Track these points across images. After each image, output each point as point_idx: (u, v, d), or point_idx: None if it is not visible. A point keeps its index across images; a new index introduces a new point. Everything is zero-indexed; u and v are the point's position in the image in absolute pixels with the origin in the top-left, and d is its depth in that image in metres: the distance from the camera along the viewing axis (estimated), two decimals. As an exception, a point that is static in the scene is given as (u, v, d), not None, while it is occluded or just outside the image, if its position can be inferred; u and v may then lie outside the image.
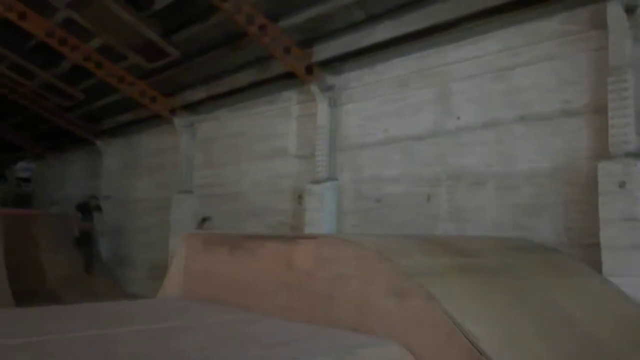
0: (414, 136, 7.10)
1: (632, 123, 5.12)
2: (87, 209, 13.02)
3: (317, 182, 8.11)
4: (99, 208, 13.17)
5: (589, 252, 5.16)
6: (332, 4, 7.21)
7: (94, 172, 14.48)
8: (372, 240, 4.22)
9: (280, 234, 5.90)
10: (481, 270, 3.97)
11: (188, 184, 11.04)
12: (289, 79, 8.56)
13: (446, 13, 6.48)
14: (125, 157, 13.43)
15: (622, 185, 5.03)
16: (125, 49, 9.62)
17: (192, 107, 10.93)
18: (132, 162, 13.14)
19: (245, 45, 8.45)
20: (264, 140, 9.43)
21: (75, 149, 15.72)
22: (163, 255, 10.19)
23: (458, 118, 6.67)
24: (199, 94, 10.50)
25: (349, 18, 7.40)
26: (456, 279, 3.65)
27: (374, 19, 7.22)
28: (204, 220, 9.89)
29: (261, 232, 8.69)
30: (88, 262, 12.67)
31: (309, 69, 8.09)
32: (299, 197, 8.53)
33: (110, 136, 13.80)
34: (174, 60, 9.64)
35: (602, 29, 5.38)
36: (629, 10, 5.19)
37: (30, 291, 9.64)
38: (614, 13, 5.24)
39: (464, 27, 6.48)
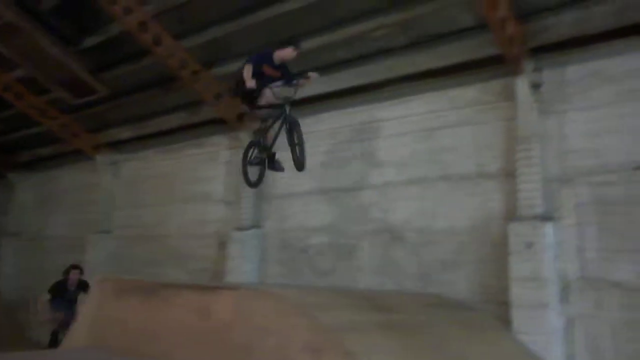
0: (340, 188, 7.25)
1: (538, 188, 5.54)
2: None
3: (241, 229, 8.02)
4: None
5: (502, 309, 5.41)
6: (267, 56, 7.36)
7: (2, 207, 13.50)
8: (292, 293, 4.19)
9: (199, 283, 5.72)
10: (399, 327, 4.03)
11: (107, 224, 10.55)
12: (219, 124, 8.55)
13: (377, 74, 6.81)
14: (41, 192, 12.67)
15: (529, 245, 5.37)
16: (50, 82, 9.26)
17: (117, 146, 10.61)
18: (48, 198, 12.41)
19: (177, 88, 8.40)
20: (191, 184, 9.27)
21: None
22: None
23: (384, 173, 6.90)
24: (125, 132, 10.23)
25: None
26: (374, 335, 3.68)
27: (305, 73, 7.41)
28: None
29: (182, 278, 8.39)
30: None
31: (240, 116, 8.14)
32: (223, 244, 8.37)
33: (26, 169, 13.02)
34: (102, 97, 9.38)
35: (513, 100, 5.85)
36: (535, 86, 5.72)
37: None
38: (522, 88, 5.75)
39: (392, 87, 6.81)
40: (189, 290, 4.52)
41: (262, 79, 5.02)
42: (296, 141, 5.04)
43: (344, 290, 5.25)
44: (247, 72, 4.86)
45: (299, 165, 5.01)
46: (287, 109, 5.13)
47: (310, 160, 7.48)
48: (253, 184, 5.45)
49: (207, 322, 4.07)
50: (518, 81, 5.77)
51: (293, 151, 5.00)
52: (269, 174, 7.86)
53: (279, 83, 5.16)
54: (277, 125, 5.26)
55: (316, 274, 7.16)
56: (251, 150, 5.46)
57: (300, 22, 6.74)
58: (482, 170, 6.10)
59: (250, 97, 5.10)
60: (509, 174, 5.81)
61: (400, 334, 3.88)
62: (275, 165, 5.32)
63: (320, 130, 7.62)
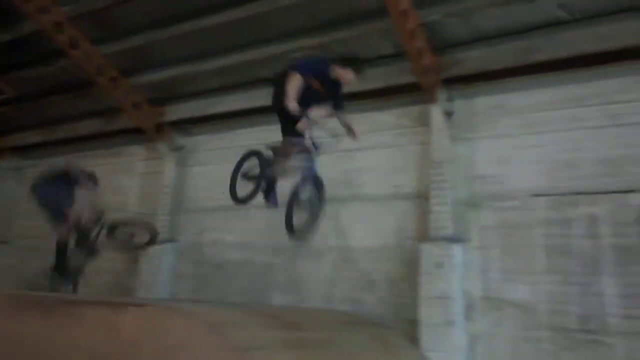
0: (255, 204, 7.19)
1: (449, 211, 5.82)
2: None
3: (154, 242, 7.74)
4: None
5: (411, 327, 5.59)
6: (188, 68, 7.27)
7: None
8: (203, 310, 4.12)
9: (105, 298, 5.46)
10: (309, 344, 4.07)
11: (6, 234, 9.83)
12: (137, 134, 8.28)
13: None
14: None
15: (439, 266, 5.61)
16: (-52, 78, 8.58)
17: (22, 151, 9.96)
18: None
19: (93, 94, 8.05)
20: (103, 194, 8.84)
21: None
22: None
23: (301, 191, 6.96)
24: (33, 137, 9.63)
25: (203, 84, 7.51)
26: (284, 353, 3.69)
27: (227, 88, 7.41)
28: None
29: (89, 293, 7.95)
30: None
31: (159, 128, 7.94)
32: (135, 257, 8.05)
33: None
34: (7, 98, 8.79)
35: (428, 126, 6.15)
36: (447, 114, 6.07)
37: None
38: (436, 115, 6.08)
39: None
40: (94, 306, 4.30)
41: (307, 97, 4.24)
42: (315, 204, 4.49)
43: (257, 308, 5.22)
44: (293, 85, 4.07)
45: (304, 233, 4.50)
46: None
47: (227, 175, 7.51)
48: (241, 200, 4.88)
49: (114, 341, 3.89)
50: (432, 109, 6.09)
51: (307, 211, 4.44)
52: (188, 180, 7.76)
53: (324, 109, 4.48)
54: (300, 161, 4.65)
55: (231, 290, 7.06)
56: (249, 161, 4.87)
57: (223, 37, 6.73)
58: (397, 191, 6.33)
59: (288, 118, 4.36)
60: (422, 196, 6.07)
61: (310, 351, 3.93)
62: (270, 197, 4.75)
63: (238, 145, 7.57)
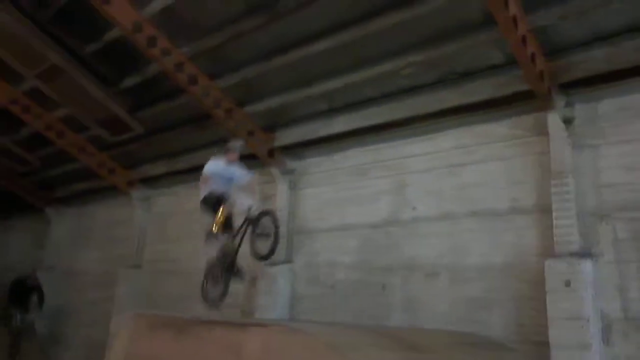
0: (370, 224, 7.22)
1: (574, 224, 5.41)
2: (23, 290, 11.83)
3: (272, 264, 8.01)
4: (38, 289, 11.98)
5: (540, 349, 5.23)
6: (296, 94, 7.53)
7: (39, 241, 13.86)
8: (323, 331, 4.16)
9: (229, 319, 5.73)
10: (432, 367, 3.94)
11: (138, 259, 10.68)
12: (250, 159, 8.67)
13: (402, 111, 6.86)
14: (76, 227, 12.98)
15: (567, 284, 5.22)
16: (89, 120, 9.63)
17: (150, 182, 10.85)
18: (82, 232, 12.70)
19: (210, 126, 8.61)
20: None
21: (21, 217, 15.10)
22: (103, 335, 9.63)
23: (413, 209, 6.87)
24: (158, 168, 10.47)
25: (312, 108, 7.73)
26: (406, 375, 3.61)
27: (335, 110, 7.56)
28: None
29: (210, 314, 8.39)
30: (14, 345, 11.72)
31: (271, 153, 8.28)
32: (253, 279, 8.37)
33: (62, 205, 13.38)
34: (137, 135, 9.68)
35: (545, 135, 5.80)
36: (567, 121, 5.69)
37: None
38: (554, 122, 5.71)
39: (419, 124, 6.85)
40: (220, 326, 4.53)
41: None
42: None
43: (374, 329, 5.17)
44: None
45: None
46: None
47: (339, 196, 7.63)
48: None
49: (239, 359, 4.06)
50: (549, 116, 5.73)
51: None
52: (300, 202, 7.99)
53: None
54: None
55: (346, 310, 7.08)
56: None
57: (329, 62, 6.90)
58: (515, 205, 6.01)
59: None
60: (543, 210, 5.71)
61: (435, 375, 3.80)
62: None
63: (349, 165, 7.69)
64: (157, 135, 9.61)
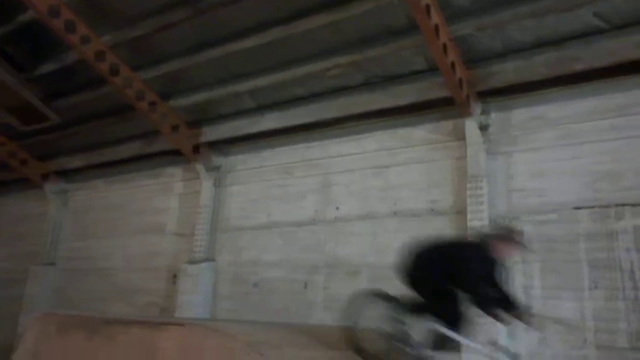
0: (295, 222, 7.26)
1: (486, 225, 5.69)
2: None
3: (193, 262, 7.88)
4: None
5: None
6: (223, 90, 7.43)
7: None
8: (243, 330, 4.14)
9: (145, 318, 5.56)
10: (349, 364, 4.02)
11: (51, 256, 10.14)
12: (174, 155, 8.48)
13: (330, 111, 6.96)
14: (-19, 221, 12.10)
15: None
16: (-2, 107, 9.01)
17: (67, 174, 10.33)
18: (-11, 227, 11.86)
19: (133, 118, 8.31)
20: (142, 215, 9.08)
21: None
22: (9, 336, 9.06)
23: (337, 208, 6.97)
24: (76, 161, 9.98)
25: (239, 105, 7.65)
26: (324, 373, 3.66)
27: (263, 108, 7.53)
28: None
29: (129, 313, 8.12)
30: None
31: (196, 148, 8.11)
32: (174, 277, 8.19)
33: (-34, 197, 12.44)
34: (53, 125, 9.16)
35: (463, 140, 6.08)
36: (483, 127, 6.00)
37: None
38: (471, 128, 6.01)
39: (346, 125, 6.97)
40: (135, 326, 4.39)
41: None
42: None
43: (296, 327, 5.20)
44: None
45: None
46: None
47: (265, 194, 7.62)
48: None
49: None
50: (467, 122, 6.02)
51: None
52: (225, 200, 7.89)
53: None
54: None
55: (269, 309, 7.08)
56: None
57: (257, 59, 6.86)
58: (433, 207, 6.25)
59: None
60: (459, 211, 5.98)
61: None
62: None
63: (276, 164, 7.69)
64: (75, 126, 9.15)
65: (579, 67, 5.43)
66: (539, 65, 5.63)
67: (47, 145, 10.00)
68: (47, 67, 8.05)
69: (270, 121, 7.50)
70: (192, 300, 7.66)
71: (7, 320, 9.72)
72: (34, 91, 8.45)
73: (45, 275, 9.95)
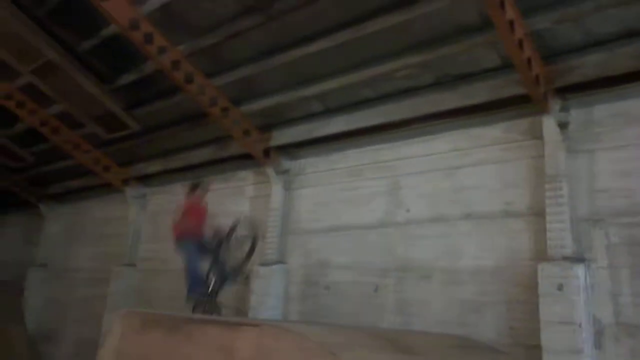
0: (364, 225, 7.23)
1: (567, 228, 5.42)
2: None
3: (265, 264, 8.01)
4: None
5: (531, 353, 5.24)
6: (292, 94, 7.53)
7: (33, 237, 13.81)
8: (316, 331, 4.15)
9: (222, 318, 5.71)
10: (424, 369, 3.94)
11: (132, 257, 10.66)
12: (246, 159, 8.69)
13: (399, 113, 6.87)
14: (69, 224, 12.94)
15: (560, 288, 5.22)
16: (85, 117, 9.60)
17: (145, 179, 10.83)
18: (76, 229, 12.66)
19: (206, 124, 8.61)
20: (215, 218, 9.33)
21: (15, 213, 15.04)
22: (94, 332, 9.61)
23: (407, 210, 6.87)
24: (154, 166, 10.45)
25: (308, 109, 7.73)
26: (398, 376, 3.60)
27: (331, 111, 7.56)
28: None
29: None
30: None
31: (267, 152, 8.27)
32: (246, 278, 8.36)
33: (56, 201, 13.36)
34: (133, 132, 9.65)
35: (540, 139, 5.81)
36: (562, 125, 5.69)
37: None
38: (549, 126, 5.72)
39: (415, 126, 6.86)
40: (212, 325, 4.51)
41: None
42: None
43: (367, 330, 5.17)
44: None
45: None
46: None
47: (334, 197, 7.64)
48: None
49: (231, 358, 4.04)
50: (545, 120, 5.74)
51: None
52: (295, 203, 8.02)
53: None
54: None
55: (339, 312, 7.08)
56: None
57: (326, 63, 6.89)
58: (508, 208, 6.02)
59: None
60: (537, 213, 5.72)
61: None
62: None
63: (344, 166, 7.69)
64: (153, 133, 9.60)
65: (667, 57, 5.05)
66: (624, 57, 5.27)
67: (127, 152, 10.55)
68: (127, 78, 8.49)
69: (339, 124, 7.51)
70: (264, 302, 7.80)
71: (92, 318, 10.32)
72: (116, 101, 8.95)
73: (127, 275, 10.47)
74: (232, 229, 6.72)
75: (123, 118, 9.13)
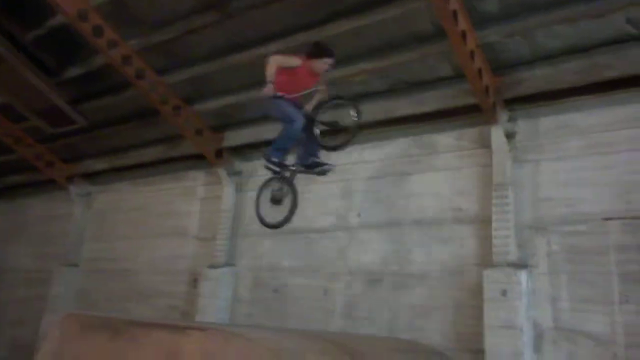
0: (315, 229, 7.22)
1: (512, 235, 5.61)
2: None
3: (214, 266, 7.89)
4: None
5: (476, 357, 5.37)
6: (246, 95, 7.42)
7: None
8: (264, 336, 4.10)
9: (168, 321, 5.55)
10: (370, 374, 3.95)
11: (75, 257, 10.27)
12: (197, 159, 8.53)
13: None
14: (8, 221, 12.32)
15: (504, 293, 5.38)
16: (28, 110, 9.16)
17: (91, 177, 10.47)
18: (15, 227, 12.06)
19: (157, 122, 8.39)
20: (165, 218, 9.14)
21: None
22: (32, 335, 9.19)
23: (359, 215, 6.91)
24: (100, 164, 10.11)
25: (262, 110, 7.62)
26: (346, 381, 3.60)
27: (285, 113, 7.48)
28: None
29: (150, 315, 8.15)
30: None
31: (219, 153, 8.15)
32: (194, 281, 8.21)
33: (-4, 197, 12.70)
34: (79, 128, 9.29)
35: (489, 148, 5.98)
36: (509, 135, 5.89)
37: None
38: (497, 136, 5.90)
39: (370, 131, 6.89)
40: (158, 329, 4.37)
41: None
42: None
43: (315, 334, 5.15)
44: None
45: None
46: None
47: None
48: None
49: (175, 364, 3.93)
50: (493, 130, 5.92)
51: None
52: (247, 205, 7.87)
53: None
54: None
55: (288, 315, 7.05)
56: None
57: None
58: (457, 215, 6.16)
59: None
60: (484, 220, 5.88)
61: (373, 381, 3.81)
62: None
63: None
64: (100, 129, 9.28)
65: (610, 74, 5.30)
66: (569, 72, 5.51)
67: (73, 148, 10.16)
68: (74, 71, 8.17)
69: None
70: (212, 304, 7.67)
71: (31, 320, 9.87)
72: (61, 95, 8.59)
73: (69, 276, 10.08)
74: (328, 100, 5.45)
75: (69, 112, 8.77)
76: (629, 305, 4.89)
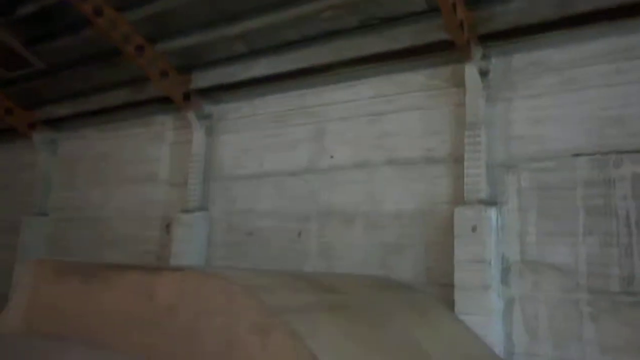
0: (288, 171, 7.19)
1: (483, 174, 5.66)
2: None
3: (187, 211, 7.83)
4: None
5: (445, 291, 5.53)
6: (213, 33, 7.14)
7: None
8: (239, 275, 4.12)
9: (143, 263, 5.53)
10: (346, 308, 4.04)
11: (43, 206, 10.05)
12: (164, 103, 8.26)
13: (324, 56, 6.73)
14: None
15: (474, 229, 5.49)
16: (-21, 53, 8.67)
17: (54, 123, 10.08)
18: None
19: (119, 63, 8.03)
20: (134, 164, 8.94)
21: None
22: (4, 285, 9.08)
23: (331, 157, 6.89)
24: (63, 109, 9.71)
25: (230, 50, 7.38)
26: (321, 316, 3.67)
27: (255, 53, 7.27)
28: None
29: (124, 260, 8.12)
30: None
31: (187, 96, 7.90)
32: (167, 226, 8.16)
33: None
34: (37, 71, 8.84)
35: (462, 87, 5.94)
36: (483, 73, 5.83)
37: None
38: (471, 74, 5.83)
39: (340, 70, 6.78)
40: (131, 271, 4.35)
41: None
42: None
43: (290, 273, 5.21)
44: None
45: None
46: None
47: (257, 143, 7.51)
48: None
49: (151, 305, 3.94)
50: (467, 68, 5.85)
51: None
52: (218, 149, 7.77)
53: None
54: None
55: (263, 257, 7.10)
56: None
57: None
58: (429, 155, 6.18)
59: None
60: (457, 160, 5.91)
61: (345, 313, 3.91)
62: None
63: (268, 112, 7.53)
64: (60, 72, 8.84)
65: (582, 8, 5.23)
66: (543, 6, 5.41)
67: (32, 93, 9.71)
68: (27, 9, 7.67)
69: (262, 67, 7.27)
70: (187, 249, 7.67)
71: (1, 270, 9.73)
72: (15, 35, 8.10)
73: (38, 225, 9.89)
74: None
75: (23, 54, 8.30)
76: (592, 236, 5.05)
